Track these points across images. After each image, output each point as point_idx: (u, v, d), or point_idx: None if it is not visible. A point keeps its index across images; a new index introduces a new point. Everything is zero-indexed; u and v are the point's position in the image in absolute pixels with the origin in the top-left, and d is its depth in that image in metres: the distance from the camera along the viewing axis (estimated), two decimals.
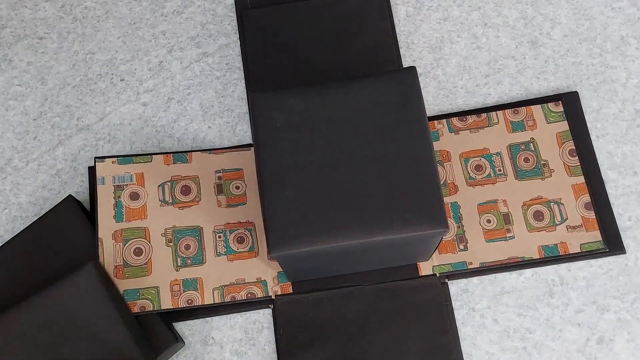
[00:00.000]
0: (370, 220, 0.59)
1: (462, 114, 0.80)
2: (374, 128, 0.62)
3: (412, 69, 0.63)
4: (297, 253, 0.59)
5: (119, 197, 0.77)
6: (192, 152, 0.80)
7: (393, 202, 0.59)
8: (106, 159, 0.79)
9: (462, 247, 0.74)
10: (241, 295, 0.74)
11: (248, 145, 0.81)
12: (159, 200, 0.77)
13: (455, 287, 0.74)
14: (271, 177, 0.61)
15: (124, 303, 0.72)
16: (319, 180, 0.60)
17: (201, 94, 0.84)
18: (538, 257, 0.73)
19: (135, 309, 0.72)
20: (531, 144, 0.78)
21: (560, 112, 0.79)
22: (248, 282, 0.74)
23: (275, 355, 0.73)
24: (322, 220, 0.59)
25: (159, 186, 0.78)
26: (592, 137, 0.79)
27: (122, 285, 0.74)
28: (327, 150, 0.61)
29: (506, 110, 0.80)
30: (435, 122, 0.80)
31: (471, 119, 0.80)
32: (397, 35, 0.85)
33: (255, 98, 0.64)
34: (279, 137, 0.62)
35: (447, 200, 0.76)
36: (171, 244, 0.76)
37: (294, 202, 0.60)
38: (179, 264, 0.75)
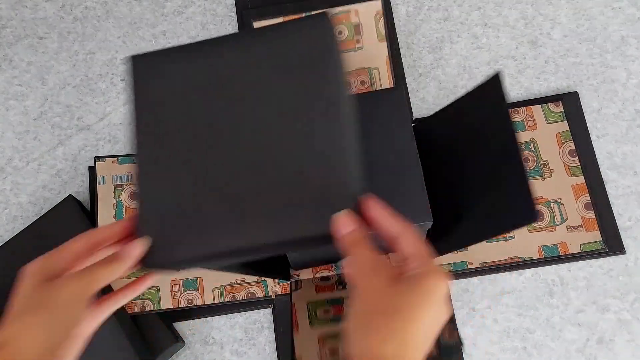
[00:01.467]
0: (273, 217, 0.45)
1: None
2: (279, 94, 0.47)
3: (323, 15, 0.49)
4: (180, 264, 0.47)
5: (119, 196, 0.77)
6: None
7: (303, 190, 0.45)
8: (106, 159, 0.79)
9: None
10: (241, 295, 0.74)
11: None
12: None
13: (455, 287, 0.74)
14: (148, 171, 0.47)
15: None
16: (209, 170, 0.46)
17: None
18: (538, 257, 0.73)
19: (136, 309, 0.72)
20: (531, 144, 0.78)
21: (560, 112, 0.79)
22: (248, 282, 0.74)
23: (275, 355, 0.73)
24: (213, 220, 0.46)
25: None
26: (592, 137, 0.79)
27: (122, 285, 0.73)
28: (220, 126, 0.47)
29: None
30: None
31: None
32: (397, 35, 0.85)
33: (136, 62, 0.49)
34: (159, 114, 0.48)
35: None
36: None
37: (174, 200, 0.46)
38: None
